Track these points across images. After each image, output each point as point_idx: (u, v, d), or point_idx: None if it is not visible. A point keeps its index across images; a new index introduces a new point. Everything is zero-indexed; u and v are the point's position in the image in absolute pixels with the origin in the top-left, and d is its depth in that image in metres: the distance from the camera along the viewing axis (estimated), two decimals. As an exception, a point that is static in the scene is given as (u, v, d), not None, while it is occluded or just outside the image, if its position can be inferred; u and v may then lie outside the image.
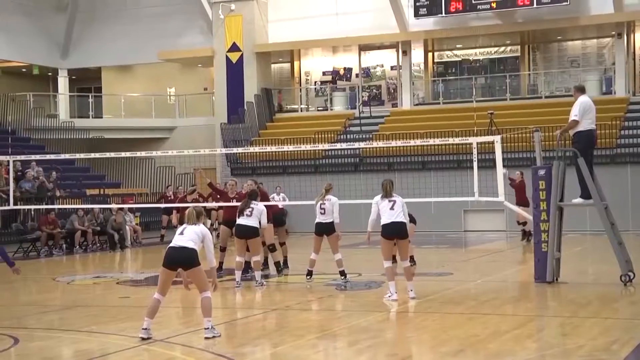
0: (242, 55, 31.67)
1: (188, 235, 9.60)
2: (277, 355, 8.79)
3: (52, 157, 22.21)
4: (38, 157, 22.41)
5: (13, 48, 32.59)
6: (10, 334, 9.80)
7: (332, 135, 28.84)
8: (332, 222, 13.72)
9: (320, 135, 28.13)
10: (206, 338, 9.32)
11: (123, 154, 19.46)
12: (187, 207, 17.03)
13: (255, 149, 25.01)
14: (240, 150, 24.63)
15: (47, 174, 24.97)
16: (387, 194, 12.09)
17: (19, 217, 22.91)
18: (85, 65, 35.19)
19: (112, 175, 30.58)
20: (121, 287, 14.61)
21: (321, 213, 13.77)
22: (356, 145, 24.67)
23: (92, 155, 21.85)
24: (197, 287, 9.72)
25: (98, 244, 22.98)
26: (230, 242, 15.64)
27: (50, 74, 35.90)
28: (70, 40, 34.64)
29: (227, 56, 31.80)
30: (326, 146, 25.49)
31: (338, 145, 23.86)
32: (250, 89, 31.61)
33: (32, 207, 22.55)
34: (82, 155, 22.73)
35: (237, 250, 13.97)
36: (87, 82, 36.95)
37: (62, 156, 22.75)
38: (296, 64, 33.85)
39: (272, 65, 33.52)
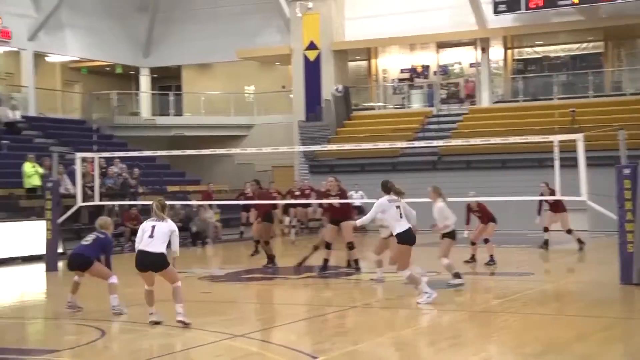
0: (319, 53, 31.77)
1: (158, 238, 9.94)
2: (357, 352, 8.77)
3: (135, 154, 22.65)
4: (121, 154, 22.89)
5: (98, 48, 33.42)
6: (98, 327, 10.07)
7: (410, 133, 28.69)
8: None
9: (397, 134, 28.02)
10: (179, 321, 9.82)
11: (203, 151, 19.72)
12: (265, 204, 17.35)
13: (333, 147, 25.04)
14: (318, 148, 24.65)
15: (129, 170, 25.52)
16: (397, 194, 11.62)
17: (103, 213, 23.45)
18: (166, 63, 35.83)
19: (192, 172, 31.05)
20: (202, 283, 14.82)
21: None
22: (434, 143, 24.48)
23: (173, 152, 22.18)
24: (168, 281, 10.12)
25: (180, 240, 23.33)
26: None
27: (132, 72, 36.67)
28: (151, 40, 35.34)
29: (304, 54, 31.96)
30: (403, 144, 25.34)
31: (416, 144, 23.67)
32: (328, 87, 31.69)
33: (116, 202, 23.06)
34: (163, 153, 23.02)
35: (378, 249, 13.79)
36: (168, 81, 37.62)
37: (144, 153, 23.19)
38: (373, 61, 33.78)
39: (349, 63, 33.55)
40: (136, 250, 10.15)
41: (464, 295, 12.30)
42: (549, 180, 16.33)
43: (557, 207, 18.92)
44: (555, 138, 15.24)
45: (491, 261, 15.93)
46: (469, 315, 11.01)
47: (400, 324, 10.39)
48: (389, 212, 11.44)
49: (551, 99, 29.77)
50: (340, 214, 15.29)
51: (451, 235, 13.13)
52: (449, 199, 13.22)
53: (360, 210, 26.94)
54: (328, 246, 15.18)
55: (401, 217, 11.40)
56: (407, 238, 11.40)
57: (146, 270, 10.07)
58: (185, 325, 9.82)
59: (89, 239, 11.28)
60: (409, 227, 11.48)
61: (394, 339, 9.36)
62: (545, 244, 19.33)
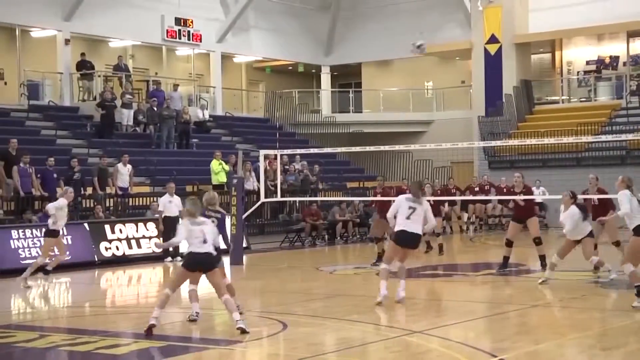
0: (500, 46, 31.11)
1: (209, 239, 9.78)
2: (539, 352, 8.53)
3: (315, 151, 23.13)
4: (302, 150, 23.45)
5: (281, 48, 34.38)
6: (280, 319, 10.35)
7: (596, 127, 27.54)
8: None
9: (582, 127, 26.97)
10: (237, 324, 9.44)
11: (381, 148, 19.79)
12: (385, 202, 17.12)
13: (514, 142, 24.49)
14: (498, 143, 24.17)
15: (310, 167, 26.08)
16: (414, 195, 11.46)
17: (285, 209, 24.15)
18: (346, 61, 36.27)
19: (371, 168, 31.29)
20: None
21: None
22: (622, 137, 23.36)
23: (353, 149, 22.45)
24: (216, 290, 9.83)
25: (358, 236, 23.63)
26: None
27: (314, 71, 37.43)
28: (333, 38, 35.93)
29: (485, 48, 31.40)
30: (589, 138, 24.37)
31: (602, 138, 22.72)
32: (509, 81, 30.99)
33: (297, 199, 23.62)
34: (343, 149, 23.44)
35: (587, 254, 13.00)
36: (347, 78, 38.11)
37: (325, 150, 23.64)
38: (557, 53, 32.70)
39: (532, 56, 32.64)
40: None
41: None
42: None
43: None
44: None
45: None
46: (659, 318, 10.43)
47: (584, 324, 10.00)
48: (400, 209, 11.44)
49: None
50: (524, 211, 14.93)
51: None
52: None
53: (542, 207, 26.24)
54: (509, 244, 14.86)
55: (408, 218, 11.35)
56: (397, 237, 11.54)
57: (195, 270, 9.98)
58: (243, 333, 9.38)
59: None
60: (405, 230, 11.40)
61: (577, 340, 9.03)
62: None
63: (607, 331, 9.51)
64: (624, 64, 31.15)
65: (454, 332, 9.56)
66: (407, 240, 11.51)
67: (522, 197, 14.97)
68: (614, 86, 31.24)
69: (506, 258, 14.89)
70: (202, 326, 10.23)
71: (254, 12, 32.82)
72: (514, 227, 14.98)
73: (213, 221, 10.28)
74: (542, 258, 14.74)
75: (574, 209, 12.80)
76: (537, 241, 14.76)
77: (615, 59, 31.44)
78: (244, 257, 18.08)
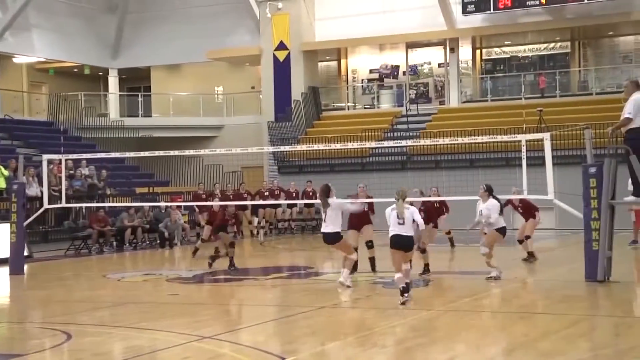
0: (289, 53, 31.76)
1: None
2: (325, 353, 8.77)
3: (103, 155, 22.49)
4: (89, 155, 22.72)
5: (65, 49, 33.13)
6: (64, 330, 9.96)
7: (379, 133, 28.76)
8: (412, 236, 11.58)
9: (367, 134, 28.07)
10: None
11: (171, 153, 19.62)
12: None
13: (302, 147, 25.05)
14: (287, 148, 24.61)
15: (97, 172, 25.32)
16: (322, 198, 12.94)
17: (70, 215, 23.28)
18: (135, 65, 35.62)
19: (161, 173, 30.88)
20: (170, 285, 14.74)
21: (400, 223, 11.39)
22: (403, 143, 24.56)
23: (142, 153, 22.05)
24: None
25: (147, 242, 23.23)
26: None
27: (101, 74, 36.41)
28: (120, 41, 35.11)
29: (274, 55, 31.93)
30: (373, 144, 25.41)
31: (385, 144, 23.81)
32: (297, 87, 31.70)
33: (83, 205, 22.88)
34: (132, 154, 22.92)
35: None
36: (136, 82, 37.40)
37: (112, 155, 23.04)
38: (343, 62, 33.85)
39: (319, 64, 33.56)
40: None
41: (432, 295, 12.32)
42: (517, 180, 16.34)
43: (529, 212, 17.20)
44: (523, 137, 15.40)
45: (532, 258, 16.09)
46: (436, 314, 11.04)
47: (368, 323, 10.40)
48: None
49: (519, 98, 30.02)
50: (361, 219, 14.98)
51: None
52: (420, 199, 13.20)
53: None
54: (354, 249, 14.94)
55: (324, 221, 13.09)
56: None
57: None
58: None
59: None
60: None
61: (363, 338, 9.36)
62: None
63: (389, 329, 9.93)
64: (404, 73, 32.80)
65: (245, 336, 9.62)
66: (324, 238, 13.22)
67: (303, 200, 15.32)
68: (395, 94, 32.78)
69: (356, 262, 14.98)
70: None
71: (36, 11, 31.40)
72: (354, 234, 14.96)
73: None
74: (372, 260, 15.04)
75: (494, 201, 13.70)
76: (370, 244, 15.06)
77: (396, 68, 33.02)
78: (25, 266, 17.27)
